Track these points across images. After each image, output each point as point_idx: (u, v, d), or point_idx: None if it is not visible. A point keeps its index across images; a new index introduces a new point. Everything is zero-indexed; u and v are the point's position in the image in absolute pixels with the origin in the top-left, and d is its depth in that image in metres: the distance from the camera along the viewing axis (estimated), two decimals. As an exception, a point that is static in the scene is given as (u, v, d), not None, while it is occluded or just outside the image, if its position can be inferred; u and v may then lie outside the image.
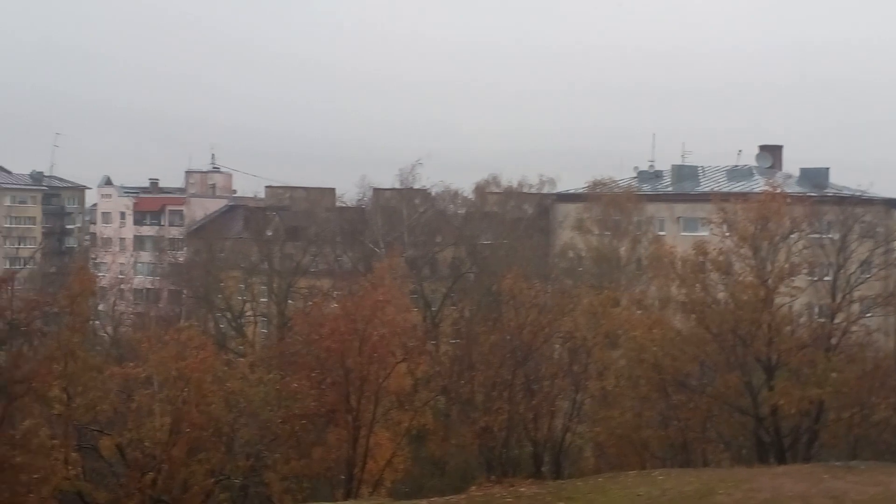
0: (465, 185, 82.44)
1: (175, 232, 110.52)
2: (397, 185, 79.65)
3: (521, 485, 27.21)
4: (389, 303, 36.09)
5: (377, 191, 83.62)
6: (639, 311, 41.51)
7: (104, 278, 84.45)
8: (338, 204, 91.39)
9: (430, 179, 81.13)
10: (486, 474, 34.77)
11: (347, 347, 34.50)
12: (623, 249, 67.33)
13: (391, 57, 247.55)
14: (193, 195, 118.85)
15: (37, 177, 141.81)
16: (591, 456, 40.75)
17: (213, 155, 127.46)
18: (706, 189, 76.17)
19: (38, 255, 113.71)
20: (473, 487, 27.65)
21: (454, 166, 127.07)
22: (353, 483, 33.86)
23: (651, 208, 75.36)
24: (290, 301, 70.60)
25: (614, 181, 75.48)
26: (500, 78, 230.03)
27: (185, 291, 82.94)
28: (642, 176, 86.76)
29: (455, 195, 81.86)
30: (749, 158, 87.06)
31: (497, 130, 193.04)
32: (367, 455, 34.40)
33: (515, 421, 37.98)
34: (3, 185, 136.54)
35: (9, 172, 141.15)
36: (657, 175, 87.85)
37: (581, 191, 76.96)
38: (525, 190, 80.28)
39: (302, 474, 33.53)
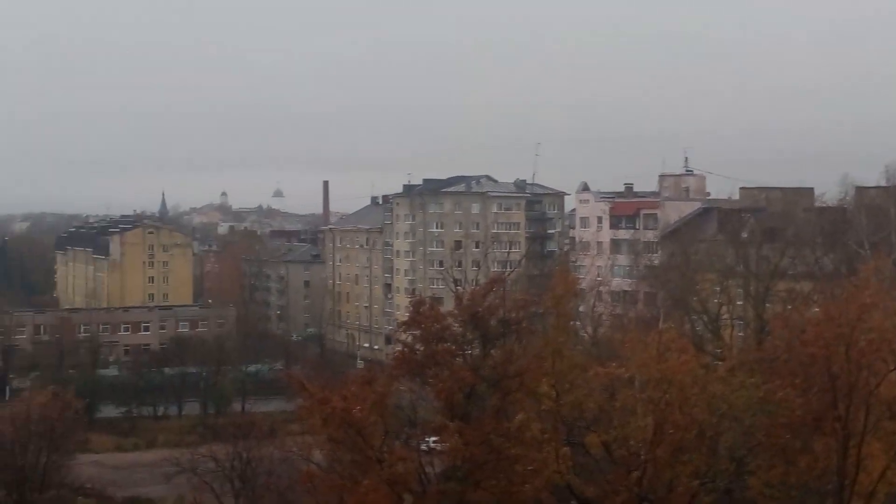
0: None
1: (650, 235, 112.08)
2: (883, 183, 75.30)
3: None
4: (877, 306, 34.11)
5: (860, 189, 79.66)
6: None
7: (583, 280, 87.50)
8: (816, 204, 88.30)
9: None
10: None
11: (832, 353, 33.03)
12: None
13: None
14: (667, 198, 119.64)
15: (520, 185, 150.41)
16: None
17: (686, 158, 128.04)
18: None
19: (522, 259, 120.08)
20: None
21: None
22: (843, 494, 32.39)
23: None
24: (767, 304, 68.94)
25: None
26: None
27: (660, 294, 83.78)
28: None
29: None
30: None
31: None
32: (859, 466, 32.72)
33: None
34: (491, 194, 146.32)
35: (495, 182, 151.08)
36: None
37: None
38: None
39: (787, 482, 32.62)
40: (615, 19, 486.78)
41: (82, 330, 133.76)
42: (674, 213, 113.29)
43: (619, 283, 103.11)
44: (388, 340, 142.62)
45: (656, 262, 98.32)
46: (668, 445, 32.33)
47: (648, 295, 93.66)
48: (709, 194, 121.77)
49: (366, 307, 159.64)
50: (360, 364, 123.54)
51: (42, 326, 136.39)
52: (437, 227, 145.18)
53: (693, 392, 33.12)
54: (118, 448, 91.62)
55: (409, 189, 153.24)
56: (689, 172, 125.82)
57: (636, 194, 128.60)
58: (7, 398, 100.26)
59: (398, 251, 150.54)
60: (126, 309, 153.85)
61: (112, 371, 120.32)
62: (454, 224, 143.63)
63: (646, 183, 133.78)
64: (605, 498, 33.08)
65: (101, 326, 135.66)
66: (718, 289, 72.73)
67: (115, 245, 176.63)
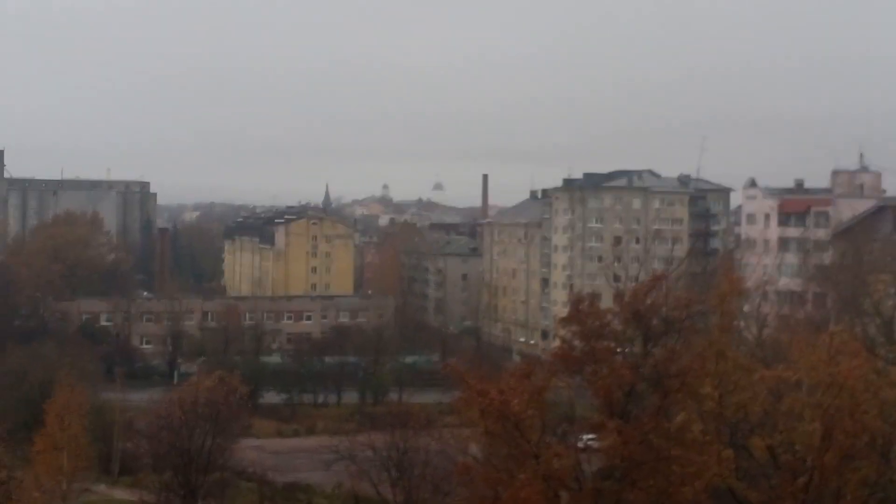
0: None
1: (820, 233, 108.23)
2: None
3: None
4: None
5: None
6: None
7: (748, 279, 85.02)
8: None
9: None
10: None
11: None
12: None
13: None
14: (840, 195, 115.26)
15: (684, 180, 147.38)
16: None
17: (861, 154, 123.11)
18: None
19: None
20: None
21: None
22: None
23: None
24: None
25: None
26: None
27: (831, 295, 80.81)
28: None
29: None
30: None
31: None
32: None
33: None
34: (653, 189, 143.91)
35: (658, 176, 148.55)
36: None
37: None
38: None
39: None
40: None
41: (247, 317, 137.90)
42: (847, 210, 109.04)
43: (787, 282, 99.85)
44: (545, 335, 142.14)
45: (827, 261, 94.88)
46: (837, 452, 31.15)
47: (817, 296, 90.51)
48: (885, 192, 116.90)
49: (522, 302, 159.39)
50: (515, 358, 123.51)
51: (210, 313, 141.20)
52: (596, 223, 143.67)
53: (865, 398, 31.84)
54: (279, 433, 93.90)
55: (568, 183, 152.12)
56: (865, 169, 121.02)
57: (807, 191, 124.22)
58: (175, 382, 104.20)
59: (556, 246, 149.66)
60: (289, 298, 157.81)
61: (275, 358, 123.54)
62: (614, 219, 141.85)
63: (820, 179, 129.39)
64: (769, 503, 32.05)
65: (265, 314, 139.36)
66: (893, 290, 69.64)
67: (280, 235, 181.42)
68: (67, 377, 64.70)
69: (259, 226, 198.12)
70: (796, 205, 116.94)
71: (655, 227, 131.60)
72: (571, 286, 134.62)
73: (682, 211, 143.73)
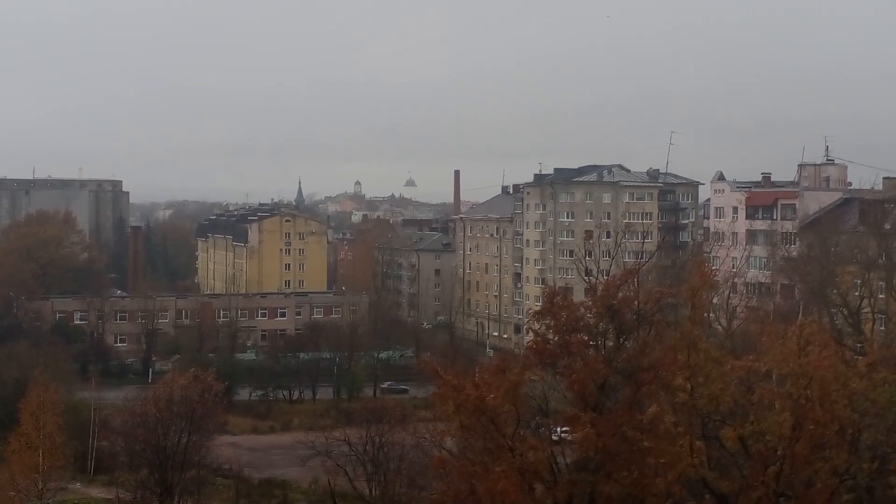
0: None
1: (788, 226, 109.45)
2: None
3: None
4: None
5: None
6: None
7: (717, 272, 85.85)
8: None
9: None
10: None
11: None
12: None
13: None
14: (806, 188, 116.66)
15: (653, 174, 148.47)
16: None
17: (826, 147, 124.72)
18: None
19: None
20: None
21: None
22: None
23: None
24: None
25: None
26: None
27: (798, 286, 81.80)
28: None
29: None
30: None
31: None
32: None
33: None
34: (623, 183, 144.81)
35: (628, 171, 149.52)
36: None
37: None
38: None
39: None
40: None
41: (222, 315, 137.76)
42: (813, 203, 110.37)
43: (755, 274, 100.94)
44: (518, 329, 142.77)
45: (794, 253, 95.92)
46: (808, 442, 31.72)
47: (785, 287, 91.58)
48: (850, 184, 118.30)
49: (495, 296, 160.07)
50: (489, 353, 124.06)
51: (184, 311, 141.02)
52: (567, 217, 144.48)
53: (834, 388, 32.43)
54: (254, 430, 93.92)
55: (539, 178, 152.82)
56: (830, 162, 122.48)
57: (774, 184, 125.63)
58: (150, 380, 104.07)
59: (528, 241, 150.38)
60: (263, 295, 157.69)
61: (249, 355, 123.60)
62: (585, 214, 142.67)
63: (786, 173, 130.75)
64: (740, 493, 32.62)
65: (239, 312, 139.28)
66: (859, 281, 70.71)
67: (253, 232, 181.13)
68: (42, 376, 64.66)
69: (232, 223, 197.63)
70: (763, 197, 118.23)
71: (626, 220, 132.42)
72: (544, 280, 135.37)
73: (651, 205, 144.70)
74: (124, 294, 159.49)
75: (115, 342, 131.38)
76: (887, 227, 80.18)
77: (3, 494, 51.09)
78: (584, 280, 53.84)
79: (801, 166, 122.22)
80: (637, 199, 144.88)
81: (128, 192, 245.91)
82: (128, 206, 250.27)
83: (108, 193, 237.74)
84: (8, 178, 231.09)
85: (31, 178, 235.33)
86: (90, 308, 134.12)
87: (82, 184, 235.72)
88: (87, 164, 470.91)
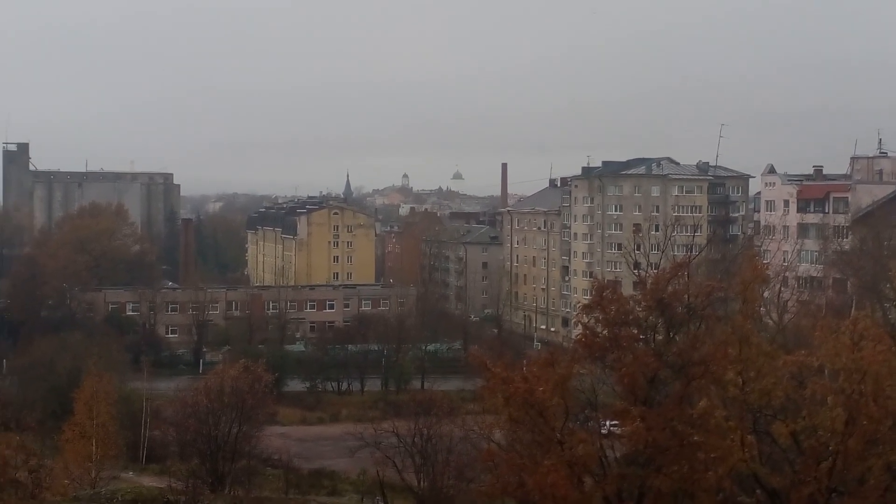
0: None
1: (840, 219, 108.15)
2: None
3: None
4: None
5: None
6: None
7: (768, 266, 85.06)
8: None
9: None
10: None
11: None
12: None
13: None
14: (859, 181, 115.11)
15: (703, 167, 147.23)
16: None
17: (879, 140, 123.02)
18: None
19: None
20: None
21: None
22: None
23: None
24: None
25: None
26: None
27: (851, 280, 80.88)
28: None
29: None
30: None
31: None
32: None
33: None
34: (672, 176, 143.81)
35: (677, 164, 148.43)
36: None
37: None
38: None
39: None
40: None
41: (271, 306, 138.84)
42: (866, 196, 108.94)
43: (806, 268, 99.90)
44: (565, 323, 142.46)
45: (847, 247, 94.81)
46: (861, 437, 31.36)
47: (837, 281, 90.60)
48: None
49: (543, 289, 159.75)
50: (536, 346, 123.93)
51: (234, 303, 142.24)
52: (615, 210, 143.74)
53: (888, 383, 32.01)
54: (303, 421, 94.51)
55: (587, 171, 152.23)
56: (883, 154, 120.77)
57: (826, 177, 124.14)
58: (201, 370, 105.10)
59: (576, 234, 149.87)
60: (312, 287, 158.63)
61: (298, 347, 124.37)
62: (633, 207, 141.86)
63: (838, 166, 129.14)
64: (791, 489, 32.33)
65: (288, 303, 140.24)
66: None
67: (302, 225, 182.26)
68: (95, 366, 65.37)
69: (281, 216, 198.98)
70: (815, 191, 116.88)
71: (675, 214, 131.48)
72: (591, 274, 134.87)
73: (701, 198, 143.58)
74: (175, 286, 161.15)
75: (167, 333, 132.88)
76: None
77: (57, 483, 51.78)
78: (633, 273, 53.56)
79: (854, 159, 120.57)
80: (686, 192, 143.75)
81: (179, 185, 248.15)
82: (179, 199, 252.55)
83: (160, 186, 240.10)
84: (61, 170, 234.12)
85: (83, 170, 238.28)
86: (142, 299, 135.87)
87: (134, 177, 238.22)
88: (138, 158, 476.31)
